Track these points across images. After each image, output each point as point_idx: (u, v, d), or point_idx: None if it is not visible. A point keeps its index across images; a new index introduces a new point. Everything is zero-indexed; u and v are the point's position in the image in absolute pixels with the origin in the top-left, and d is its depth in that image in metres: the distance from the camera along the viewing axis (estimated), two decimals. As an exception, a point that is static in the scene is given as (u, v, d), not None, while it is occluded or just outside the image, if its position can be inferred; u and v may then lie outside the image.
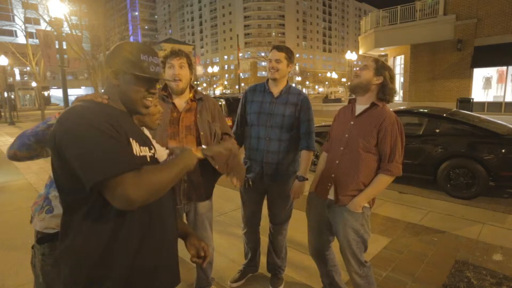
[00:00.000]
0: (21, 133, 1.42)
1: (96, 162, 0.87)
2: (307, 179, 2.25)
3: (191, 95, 2.02)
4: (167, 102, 1.96)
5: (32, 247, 1.48)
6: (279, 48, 2.18)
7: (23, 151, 1.40)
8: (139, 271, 1.01)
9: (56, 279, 0.98)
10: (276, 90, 2.25)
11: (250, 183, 2.34)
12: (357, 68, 1.93)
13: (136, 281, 1.00)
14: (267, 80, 2.28)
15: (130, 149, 0.99)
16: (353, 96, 2.00)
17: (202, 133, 1.94)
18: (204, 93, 2.26)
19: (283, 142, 2.22)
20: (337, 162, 1.91)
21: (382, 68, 1.84)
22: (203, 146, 1.54)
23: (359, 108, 1.92)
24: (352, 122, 1.91)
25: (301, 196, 2.28)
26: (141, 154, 1.05)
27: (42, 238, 1.42)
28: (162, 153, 1.40)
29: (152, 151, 1.16)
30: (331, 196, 1.94)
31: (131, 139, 1.01)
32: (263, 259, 2.64)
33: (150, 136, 1.37)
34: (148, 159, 1.09)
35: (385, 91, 1.85)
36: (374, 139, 1.81)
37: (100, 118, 0.94)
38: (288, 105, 2.21)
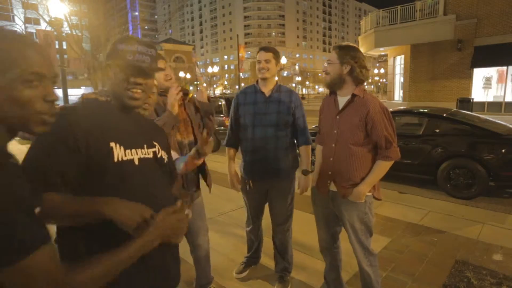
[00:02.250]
0: None
1: None
2: (311, 172, 2.29)
3: None
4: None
5: None
6: (266, 49, 2.25)
7: None
8: (142, 275, 1.01)
9: None
10: (267, 89, 2.29)
11: (251, 185, 2.36)
12: (325, 64, 1.92)
13: (139, 284, 1.01)
14: (257, 81, 2.34)
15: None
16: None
17: (194, 122, 2.07)
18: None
19: (280, 139, 2.27)
20: (331, 159, 1.94)
21: (345, 54, 1.82)
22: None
23: (341, 100, 1.92)
24: (338, 117, 1.92)
25: (307, 189, 2.33)
26: (125, 158, 1.02)
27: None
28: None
29: (152, 149, 1.11)
30: (333, 188, 1.97)
31: (112, 144, 0.99)
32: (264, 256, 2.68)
33: (160, 132, 1.28)
34: (137, 161, 1.04)
35: (356, 75, 1.83)
36: (362, 132, 1.82)
37: (69, 129, 0.93)
38: (281, 103, 2.26)
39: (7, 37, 0.73)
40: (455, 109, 6.24)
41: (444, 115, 4.98)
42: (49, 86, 0.77)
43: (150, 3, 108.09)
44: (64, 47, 10.14)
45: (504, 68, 14.15)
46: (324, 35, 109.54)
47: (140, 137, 1.11)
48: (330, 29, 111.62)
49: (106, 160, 0.97)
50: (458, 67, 14.88)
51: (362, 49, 21.12)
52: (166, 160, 1.19)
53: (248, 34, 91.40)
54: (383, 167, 1.84)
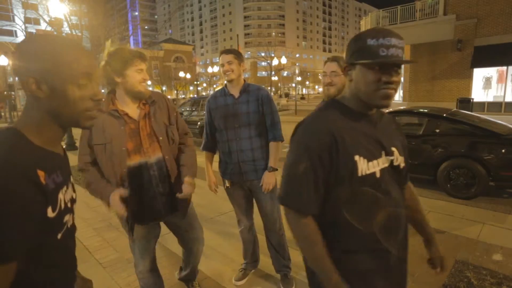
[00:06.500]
0: None
1: None
2: (277, 169, 2.28)
3: None
4: (117, 117, 1.71)
5: None
6: (226, 51, 2.26)
7: None
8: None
9: None
10: (235, 91, 2.29)
11: (228, 184, 2.40)
12: (324, 75, 1.92)
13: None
14: (226, 84, 2.34)
15: None
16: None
17: (161, 138, 1.81)
18: (156, 90, 2.05)
19: (254, 139, 2.27)
20: None
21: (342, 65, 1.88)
22: None
23: None
24: None
25: (271, 187, 2.29)
26: (368, 172, 0.96)
27: None
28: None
29: (390, 157, 1.03)
30: None
31: (356, 157, 0.94)
32: (262, 256, 2.67)
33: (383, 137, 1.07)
34: (378, 174, 0.98)
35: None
36: None
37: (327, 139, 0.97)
38: (250, 103, 2.26)
39: (57, 41, 0.78)
40: (455, 109, 6.24)
41: (444, 115, 4.98)
42: (96, 86, 0.82)
43: (150, 3, 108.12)
44: (64, 47, 10.15)
45: (504, 68, 14.15)
46: (324, 35, 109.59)
47: (379, 144, 1.02)
48: (330, 29, 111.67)
49: (350, 175, 0.94)
50: (458, 67, 14.88)
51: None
52: (401, 166, 1.09)
53: (248, 34, 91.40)
54: None
